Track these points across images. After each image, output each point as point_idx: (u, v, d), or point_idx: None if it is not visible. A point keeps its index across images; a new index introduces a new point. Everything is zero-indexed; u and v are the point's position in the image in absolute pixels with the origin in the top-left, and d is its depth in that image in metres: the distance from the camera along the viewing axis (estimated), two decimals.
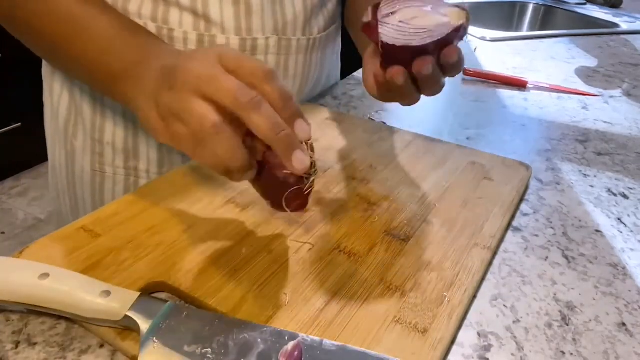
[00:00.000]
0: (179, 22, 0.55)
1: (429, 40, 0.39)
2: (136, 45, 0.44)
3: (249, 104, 0.34)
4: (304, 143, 0.38)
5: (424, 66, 0.39)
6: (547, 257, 0.47)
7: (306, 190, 0.39)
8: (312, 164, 0.38)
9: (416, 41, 0.39)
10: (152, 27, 0.55)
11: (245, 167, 0.36)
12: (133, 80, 0.42)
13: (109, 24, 0.46)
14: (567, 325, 0.39)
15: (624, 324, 0.40)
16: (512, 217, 0.52)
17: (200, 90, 0.35)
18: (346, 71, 0.88)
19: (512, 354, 0.37)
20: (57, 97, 0.63)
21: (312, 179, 0.39)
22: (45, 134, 0.69)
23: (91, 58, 0.46)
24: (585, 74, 1.01)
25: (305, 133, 0.36)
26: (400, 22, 0.40)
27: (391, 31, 0.39)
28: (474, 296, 0.41)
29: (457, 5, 0.42)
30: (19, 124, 2.10)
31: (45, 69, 0.65)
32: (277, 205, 0.40)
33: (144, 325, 0.33)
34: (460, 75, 0.93)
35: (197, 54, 0.37)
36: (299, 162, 0.35)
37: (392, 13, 0.41)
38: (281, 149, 0.35)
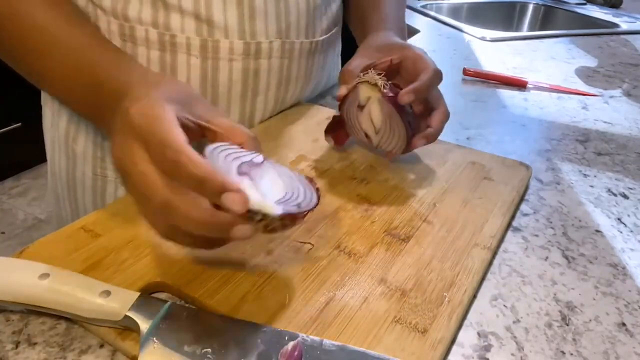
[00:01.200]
0: (181, 28, 0.55)
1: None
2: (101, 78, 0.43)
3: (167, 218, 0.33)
4: (304, 178, 0.38)
5: None
6: (547, 257, 0.47)
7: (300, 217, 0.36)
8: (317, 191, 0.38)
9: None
10: (153, 34, 0.54)
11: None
12: (101, 117, 0.43)
13: (77, 40, 0.46)
14: (567, 325, 0.39)
15: (624, 324, 0.40)
16: (512, 217, 0.52)
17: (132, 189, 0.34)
18: None
19: (512, 354, 0.37)
20: (58, 103, 0.63)
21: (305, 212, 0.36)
22: (45, 140, 0.69)
23: (62, 74, 0.46)
24: (585, 74, 1.01)
25: (237, 204, 0.31)
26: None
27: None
28: (474, 296, 0.41)
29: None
30: (19, 124, 2.11)
31: None
32: None
33: (144, 325, 0.33)
34: (460, 75, 0.93)
35: (118, 137, 0.36)
36: (241, 234, 0.32)
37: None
38: (220, 234, 0.33)
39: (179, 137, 0.33)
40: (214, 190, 0.31)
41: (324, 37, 0.66)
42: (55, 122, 0.64)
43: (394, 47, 0.56)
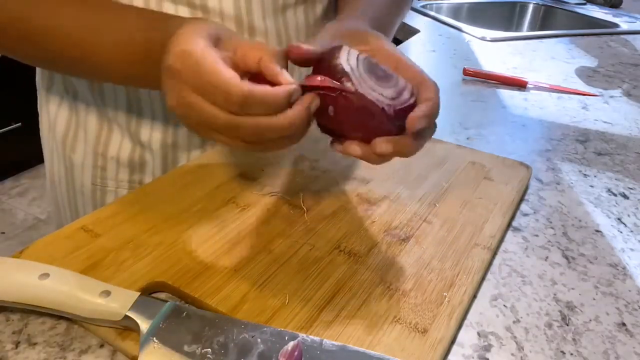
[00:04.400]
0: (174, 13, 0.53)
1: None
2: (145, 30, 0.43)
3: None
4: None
5: None
6: (547, 257, 0.47)
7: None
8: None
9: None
10: None
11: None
12: (153, 65, 0.41)
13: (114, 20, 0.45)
14: (567, 325, 0.39)
15: (624, 324, 0.40)
16: (512, 217, 0.52)
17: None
18: None
19: (512, 354, 0.37)
20: (54, 111, 0.62)
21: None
22: (42, 148, 0.67)
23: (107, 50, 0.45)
24: (585, 74, 1.01)
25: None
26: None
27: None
28: (474, 296, 0.41)
29: None
30: (19, 124, 2.11)
31: (41, 82, 0.63)
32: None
33: (144, 325, 0.33)
34: (460, 75, 0.93)
35: (167, 85, 0.37)
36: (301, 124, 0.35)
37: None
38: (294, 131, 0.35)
39: (224, 73, 0.34)
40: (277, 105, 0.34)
41: None
42: (52, 130, 0.63)
43: (369, 38, 0.43)
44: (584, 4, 1.65)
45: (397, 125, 0.37)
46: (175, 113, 0.37)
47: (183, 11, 0.53)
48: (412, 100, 0.38)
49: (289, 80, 0.35)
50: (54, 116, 0.62)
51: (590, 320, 0.40)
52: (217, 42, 0.38)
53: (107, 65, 0.46)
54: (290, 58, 0.38)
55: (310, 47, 0.38)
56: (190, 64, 0.35)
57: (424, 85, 0.40)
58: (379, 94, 0.37)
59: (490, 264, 0.45)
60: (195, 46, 0.35)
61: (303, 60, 0.38)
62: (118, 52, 0.44)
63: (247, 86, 0.33)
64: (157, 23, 0.43)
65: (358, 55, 0.37)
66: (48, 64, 0.52)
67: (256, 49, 0.37)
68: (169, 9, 0.53)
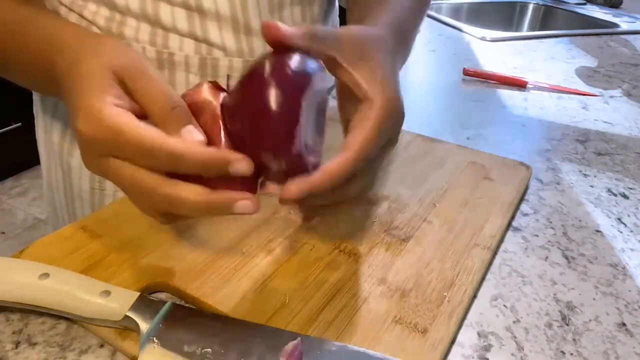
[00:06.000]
0: (179, 47, 0.54)
1: None
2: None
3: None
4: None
5: None
6: (547, 257, 0.47)
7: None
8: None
9: None
10: (151, 51, 0.53)
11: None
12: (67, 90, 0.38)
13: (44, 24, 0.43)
14: (567, 325, 0.39)
15: (624, 324, 0.40)
16: (512, 217, 0.52)
17: (108, 154, 0.33)
18: None
19: (512, 354, 0.37)
20: (50, 116, 0.61)
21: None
22: (39, 152, 0.67)
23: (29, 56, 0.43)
24: (585, 74, 1.01)
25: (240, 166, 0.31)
26: None
27: None
28: (474, 296, 0.41)
29: None
30: (19, 124, 2.11)
31: None
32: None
33: (144, 325, 0.33)
34: (460, 75, 0.93)
35: (80, 108, 0.34)
36: (244, 207, 0.32)
37: None
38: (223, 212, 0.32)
39: (138, 132, 0.32)
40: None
41: None
42: (48, 134, 0.63)
43: (359, 61, 0.37)
44: (584, 4, 1.65)
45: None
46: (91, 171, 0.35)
47: (179, 12, 0.53)
48: (309, 166, 0.34)
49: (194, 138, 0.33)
50: (50, 121, 0.62)
51: (590, 320, 0.40)
52: (121, 84, 0.35)
53: (23, 76, 0.46)
54: (264, 36, 0.34)
55: (291, 32, 0.34)
56: (103, 128, 0.32)
57: (363, 124, 0.35)
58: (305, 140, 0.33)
59: (490, 264, 0.45)
60: (104, 108, 0.33)
61: (277, 44, 0.34)
62: (30, 69, 0.44)
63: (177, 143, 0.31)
64: (55, 48, 0.40)
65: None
66: None
67: (157, 94, 0.34)
68: (165, 10, 0.52)
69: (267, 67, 0.33)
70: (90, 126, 0.33)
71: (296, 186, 0.33)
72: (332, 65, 0.37)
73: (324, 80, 0.36)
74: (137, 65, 0.36)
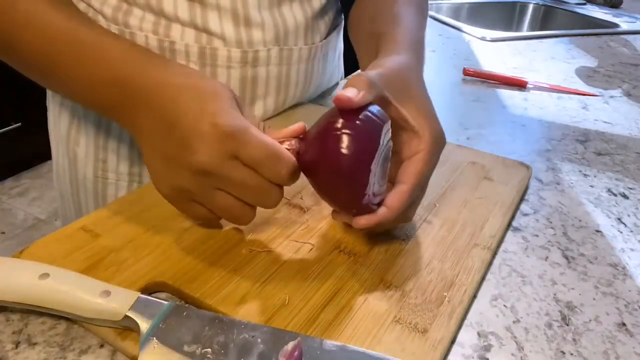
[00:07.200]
0: (181, 36, 0.55)
1: None
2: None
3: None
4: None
5: None
6: (547, 257, 0.47)
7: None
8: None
9: None
10: (153, 40, 0.55)
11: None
12: (128, 115, 0.41)
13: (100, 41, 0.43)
14: (567, 325, 0.39)
15: (624, 324, 0.40)
16: (512, 217, 0.52)
17: (216, 185, 0.38)
18: (347, 71, 0.88)
19: (512, 354, 0.37)
20: (59, 104, 0.63)
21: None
22: (50, 139, 0.69)
23: (85, 75, 0.43)
24: (585, 74, 1.01)
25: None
26: None
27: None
28: (474, 296, 0.41)
29: None
30: (19, 124, 2.11)
31: None
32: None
33: (144, 325, 0.33)
34: (460, 75, 0.93)
35: (196, 130, 0.36)
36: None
37: None
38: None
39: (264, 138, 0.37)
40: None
41: (322, 41, 0.66)
42: (56, 123, 0.65)
43: (404, 97, 0.41)
44: (584, 4, 1.65)
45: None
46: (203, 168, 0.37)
47: (182, 5, 0.54)
48: (375, 203, 0.40)
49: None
50: (59, 110, 0.63)
51: (590, 320, 0.40)
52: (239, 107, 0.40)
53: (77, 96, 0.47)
54: (338, 107, 0.38)
55: (359, 97, 0.37)
56: (243, 140, 0.36)
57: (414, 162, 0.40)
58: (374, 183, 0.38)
59: (490, 264, 0.45)
60: (240, 123, 0.37)
61: (347, 110, 0.38)
62: (92, 92, 0.43)
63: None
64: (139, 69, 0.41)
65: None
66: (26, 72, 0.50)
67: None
68: (168, 3, 0.53)
69: (340, 126, 0.37)
70: (227, 119, 0.36)
71: (365, 220, 0.39)
72: (383, 104, 0.40)
73: (390, 131, 0.39)
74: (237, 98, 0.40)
